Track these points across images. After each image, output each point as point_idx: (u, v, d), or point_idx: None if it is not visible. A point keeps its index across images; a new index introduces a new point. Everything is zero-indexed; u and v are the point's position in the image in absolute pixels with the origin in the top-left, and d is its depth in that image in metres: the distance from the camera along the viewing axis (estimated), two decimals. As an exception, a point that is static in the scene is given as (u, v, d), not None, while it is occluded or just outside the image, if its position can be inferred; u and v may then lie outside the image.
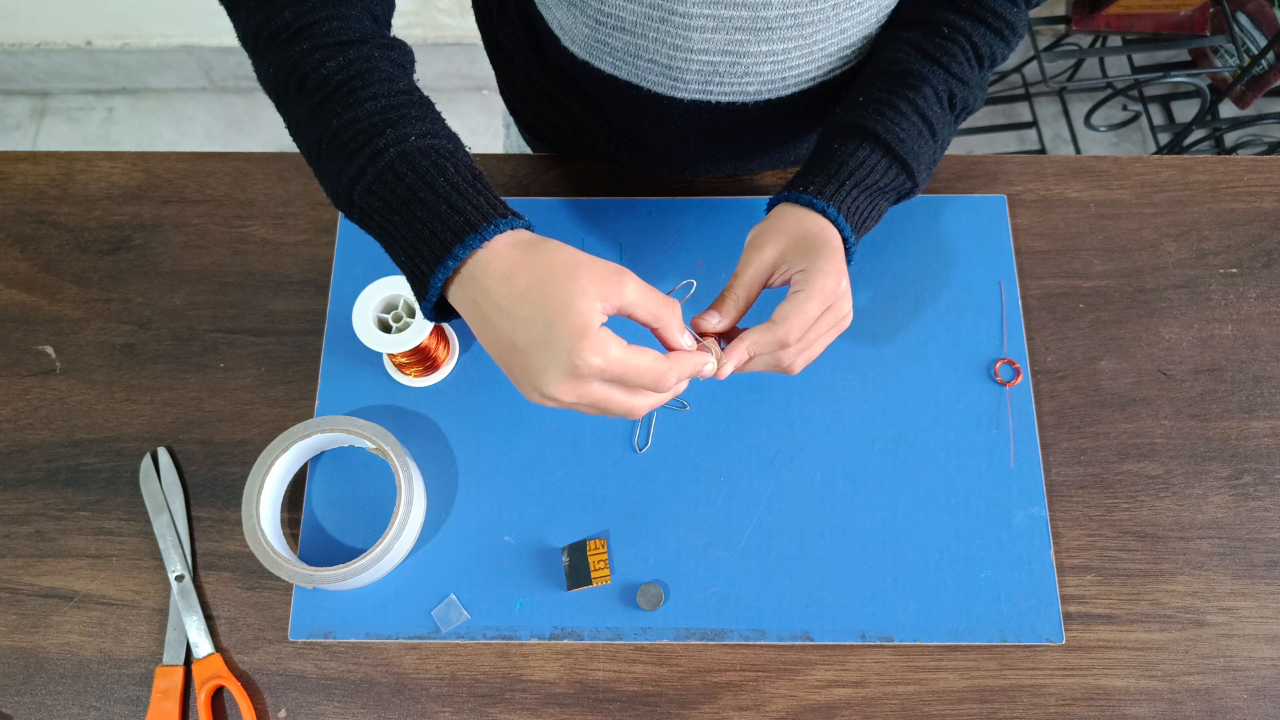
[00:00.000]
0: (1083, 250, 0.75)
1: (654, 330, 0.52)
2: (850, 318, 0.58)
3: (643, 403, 0.50)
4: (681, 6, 0.60)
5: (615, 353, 0.47)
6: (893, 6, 0.65)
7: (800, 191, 0.59)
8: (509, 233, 0.50)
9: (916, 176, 0.62)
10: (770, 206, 0.61)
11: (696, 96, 0.69)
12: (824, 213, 0.58)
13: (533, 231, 0.52)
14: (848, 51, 0.68)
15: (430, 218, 0.50)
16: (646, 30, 0.63)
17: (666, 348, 0.53)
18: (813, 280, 0.54)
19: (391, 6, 0.61)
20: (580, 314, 0.46)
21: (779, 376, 0.71)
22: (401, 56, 0.57)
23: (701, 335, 0.56)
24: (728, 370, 0.55)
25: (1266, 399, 0.71)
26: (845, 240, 0.58)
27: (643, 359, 0.48)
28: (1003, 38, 0.64)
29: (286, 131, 0.59)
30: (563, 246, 0.49)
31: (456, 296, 0.51)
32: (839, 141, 0.61)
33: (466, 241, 0.49)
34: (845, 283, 0.56)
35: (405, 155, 0.52)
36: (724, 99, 0.70)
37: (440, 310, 0.53)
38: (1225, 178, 0.78)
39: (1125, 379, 0.71)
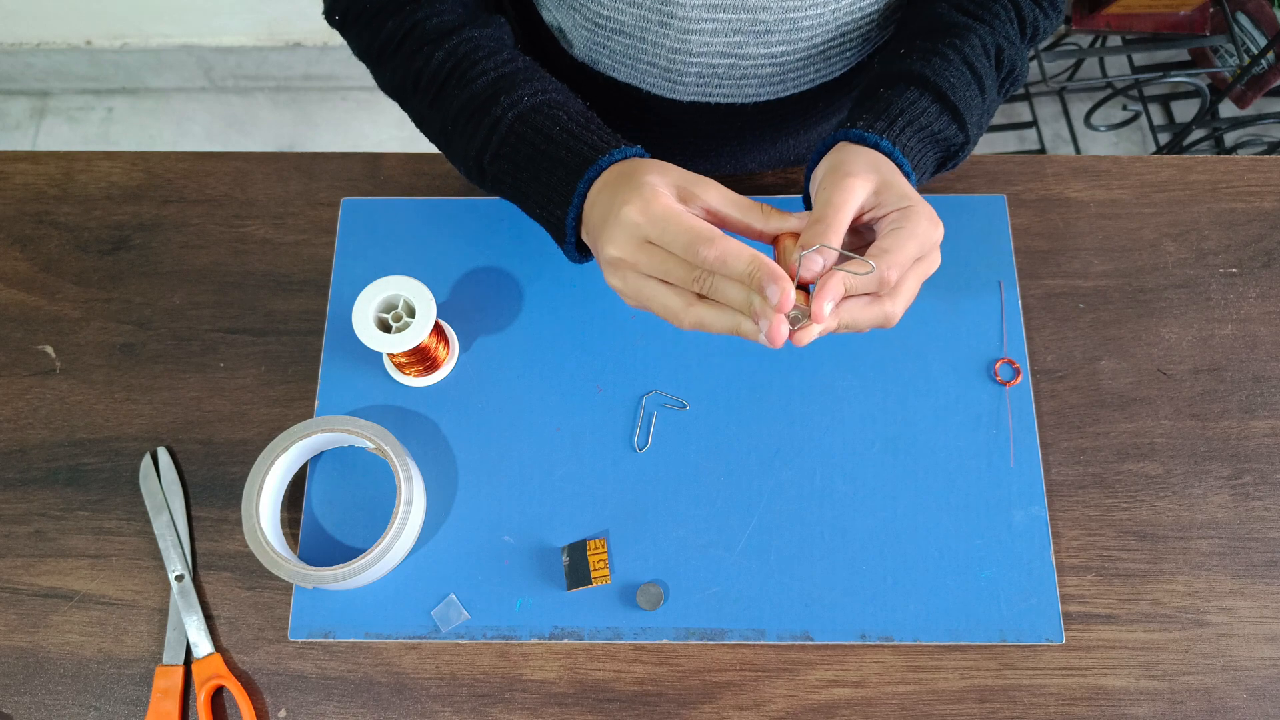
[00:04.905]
0: (1083, 250, 0.75)
1: (743, 230, 0.50)
2: (938, 263, 0.51)
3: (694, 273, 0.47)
4: (680, 10, 0.60)
5: (658, 208, 0.48)
6: (890, 7, 0.65)
7: (850, 127, 0.54)
8: (622, 161, 0.53)
9: (968, 129, 0.57)
10: (821, 151, 0.55)
11: (695, 98, 0.69)
12: (877, 146, 0.53)
13: (642, 156, 0.55)
14: (848, 54, 0.68)
15: (553, 166, 0.55)
16: (645, 33, 0.63)
17: (764, 241, 0.51)
18: (915, 221, 0.48)
19: None
20: (644, 185, 0.49)
21: (779, 373, 0.71)
22: (498, 31, 0.61)
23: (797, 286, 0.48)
24: (827, 307, 0.46)
25: (1266, 399, 0.71)
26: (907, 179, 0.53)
27: (688, 218, 0.47)
28: (1041, 8, 0.61)
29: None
30: (662, 161, 0.52)
31: (585, 232, 0.55)
32: (885, 86, 0.57)
33: (586, 175, 0.53)
34: (941, 232, 0.50)
35: (521, 116, 0.56)
36: (723, 100, 0.70)
37: (582, 250, 0.57)
38: (1225, 178, 0.78)
39: (1125, 379, 0.71)
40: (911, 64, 0.57)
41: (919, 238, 0.48)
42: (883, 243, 0.48)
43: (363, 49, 0.63)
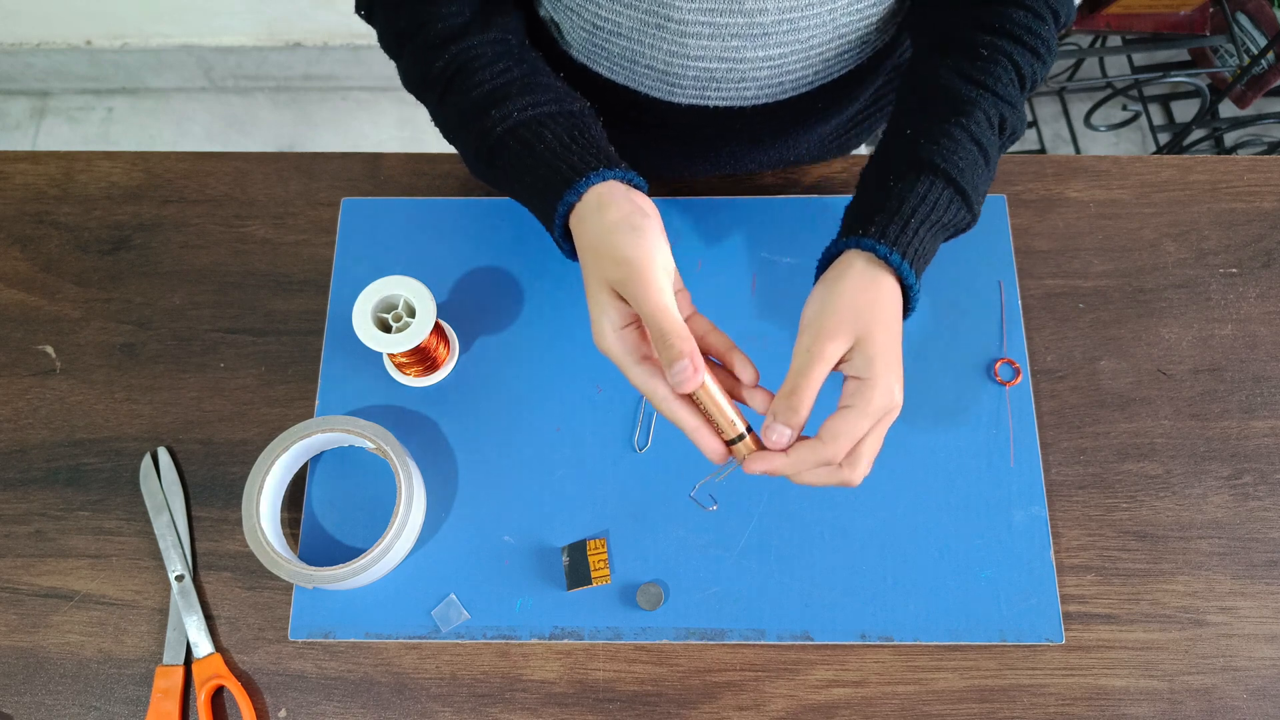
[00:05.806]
0: (1082, 250, 0.75)
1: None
2: (898, 413, 0.52)
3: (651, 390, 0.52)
4: (677, 13, 0.60)
5: (604, 346, 0.52)
6: (890, 11, 0.65)
7: (861, 235, 0.54)
8: (595, 186, 0.54)
9: (975, 209, 0.57)
10: (831, 254, 0.56)
11: (694, 101, 0.69)
12: (886, 259, 0.53)
13: (623, 178, 0.55)
14: (845, 55, 0.68)
15: (534, 181, 0.57)
16: (643, 36, 0.63)
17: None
18: (869, 397, 0.50)
19: None
20: (595, 310, 0.52)
21: (778, 372, 0.70)
22: (501, 33, 0.62)
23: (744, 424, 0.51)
24: (757, 468, 0.51)
25: (1266, 399, 0.71)
26: (908, 289, 0.54)
27: (633, 372, 0.51)
28: (1038, 56, 0.60)
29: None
30: (612, 221, 0.52)
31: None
32: (895, 178, 0.56)
33: (565, 198, 0.54)
34: (899, 393, 0.51)
35: (510, 130, 0.58)
36: (721, 104, 0.70)
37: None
38: (1225, 178, 0.78)
39: (1125, 379, 0.71)
40: (920, 150, 0.56)
41: (870, 415, 0.50)
42: (834, 424, 0.50)
43: (383, 39, 0.65)
